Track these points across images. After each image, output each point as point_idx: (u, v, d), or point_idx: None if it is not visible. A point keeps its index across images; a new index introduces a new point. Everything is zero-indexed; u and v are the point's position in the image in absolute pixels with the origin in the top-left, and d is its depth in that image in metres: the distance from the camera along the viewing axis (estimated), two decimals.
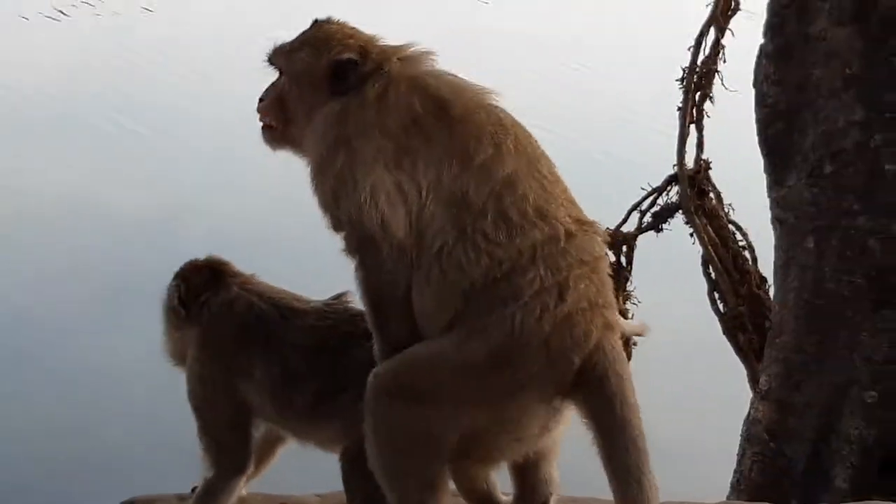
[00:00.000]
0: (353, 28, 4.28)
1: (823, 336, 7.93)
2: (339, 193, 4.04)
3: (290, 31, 4.34)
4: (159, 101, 17.82)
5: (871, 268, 7.79)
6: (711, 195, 9.61)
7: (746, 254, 9.59)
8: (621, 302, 9.39)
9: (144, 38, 20.17)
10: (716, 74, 9.46)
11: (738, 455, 8.31)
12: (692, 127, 9.50)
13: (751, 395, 8.60)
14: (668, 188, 9.66)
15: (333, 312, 4.35)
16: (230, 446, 4.34)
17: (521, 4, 22.13)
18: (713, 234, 9.50)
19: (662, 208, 9.69)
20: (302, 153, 4.25)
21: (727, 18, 9.39)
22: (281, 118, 4.27)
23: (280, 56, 4.28)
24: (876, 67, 7.75)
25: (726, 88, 9.42)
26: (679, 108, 9.54)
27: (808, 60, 7.98)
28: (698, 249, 9.52)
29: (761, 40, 8.32)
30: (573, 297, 3.88)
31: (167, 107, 17.65)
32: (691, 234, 9.61)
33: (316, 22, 4.31)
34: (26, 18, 20.59)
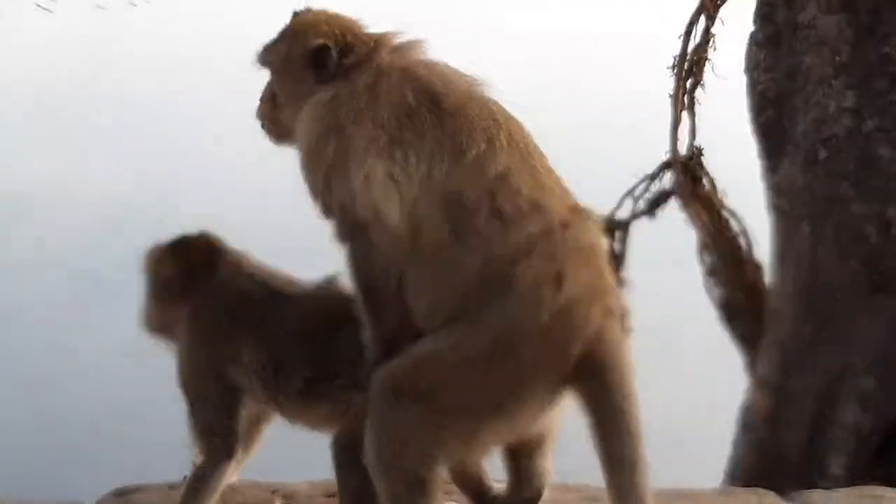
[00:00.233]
0: (333, 15, 4.26)
1: (819, 322, 7.93)
2: (331, 181, 4.03)
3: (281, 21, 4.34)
4: (142, 91, 17.83)
5: (867, 254, 7.79)
6: (705, 181, 9.62)
7: (742, 240, 9.60)
8: None
9: (129, 30, 20.17)
10: (706, 62, 9.47)
11: (733, 442, 8.31)
12: (684, 114, 9.51)
13: (747, 381, 8.60)
14: (662, 174, 9.67)
15: (325, 297, 4.31)
16: (219, 430, 4.31)
17: None
18: (708, 221, 9.50)
19: (656, 195, 9.70)
20: (293, 143, 4.23)
21: (717, 6, 9.40)
22: (274, 114, 4.27)
23: (264, 53, 4.30)
24: (865, 55, 7.75)
25: (717, 76, 9.43)
26: (671, 96, 9.54)
27: (798, 48, 8.00)
28: (693, 236, 9.52)
29: (751, 28, 8.33)
30: (571, 286, 3.87)
31: (149, 97, 17.66)
32: (686, 221, 9.61)
33: (294, 14, 4.31)
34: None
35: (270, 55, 4.27)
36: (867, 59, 7.73)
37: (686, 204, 9.53)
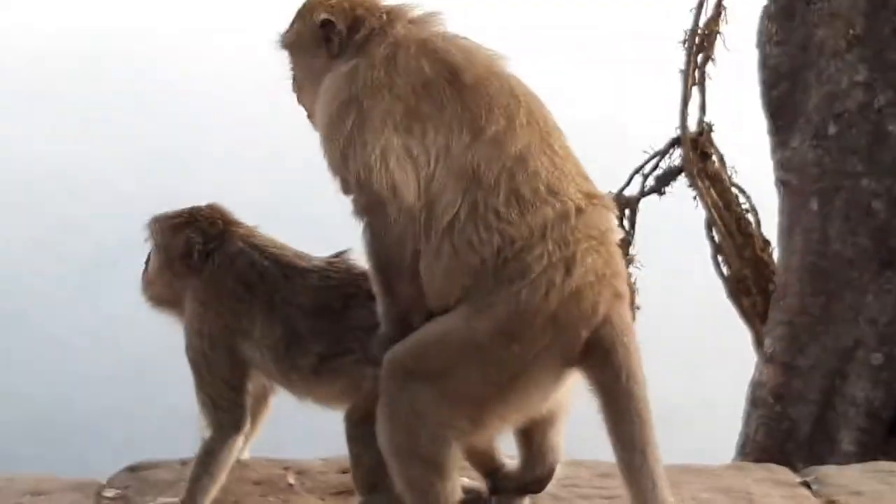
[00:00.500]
0: None
1: (828, 298, 7.93)
2: (348, 155, 3.99)
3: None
4: (151, 69, 17.83)
5: (876, 229, 7.78)
6: (714, 158, 9.59)
7: (750, 216, 9.58)
8: (624, 265, 9.37)
9: (137, 10, 20.17)
10: (718, 36, 9.42)
11: (743, 418, 8.31)
12: (694, 89, 9.48)
13: (756, 358, 8.60)
14: (671, 151, 9.64)
15: (336, 271, 4.28)
16: (228, 403, 4.28)
17: None
18: (716, 197, 9.48)
19: (665, 171, 9.68)
20: (314, 121, 4.21)
21: None
22: (299, 95, 4.26)
23: (282, 36, 4.28)
24: (879, 28, 7.71)
25: (728, 50, 9.38)
26: (681, 71, 9.51)
27: (811, 21, 7.96)
28: (702, 213, 9.50)
29: (764, 1, 8.28)
30: (580, 272, 3.86)
31: (159, 74, 17.66)
32: (694, 198, 9.59)
33: None
34: None
35: (287, 36, 4.25)
36: (881, 31, 7.69)
37: (694, 181, 9.51)
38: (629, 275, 9.40)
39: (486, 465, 4.32)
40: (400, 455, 3.93)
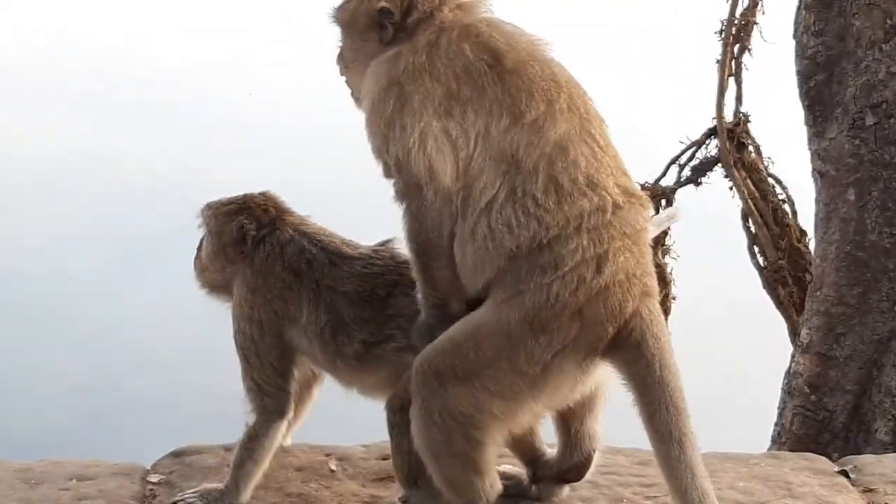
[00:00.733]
0: None
1: (865, 288, 7.92)
2: (389, 138, 4.01)
3: None
4: (175, 57, 17.85)
5: None
6: (751, 148, 9.58)
7: (786, 207, 9.57)
8: (660, 256, 9.39)
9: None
10: (754, 26, 9.40)
11: (778, 408, 8.30)
12: (731, 80, 9.46)
13: (791, 348, 8.59)
14: (707, 142, 9.63)
15: (380, 259, 4.32)
16: (274, 389, 4.31)
17: None
18: (752, 188, 9.48)
19: (701, 162, 9.67)
20: (358, 101, 4.23)
21: None
22: (346, 73, 4.28)
23: (337, 10, 4.28)
24: None
25: (765, 41, 9.36)
26: (718, 61, 9.50)
27: (849, 11, 7.93)
28: (738, 203, 9.49)
29: None
30: (611, 270, 3.86)
31: (183, 65, 17.68)
32: (731, 188, 9.59)
33: None
34: None
35: (341, 12, 4.26)
36: None
37: (731, 171, 9.50)
38: (665, 265, 9.43)
39: (527, 453, 4.33)
40: (437, 456, 3.96)
